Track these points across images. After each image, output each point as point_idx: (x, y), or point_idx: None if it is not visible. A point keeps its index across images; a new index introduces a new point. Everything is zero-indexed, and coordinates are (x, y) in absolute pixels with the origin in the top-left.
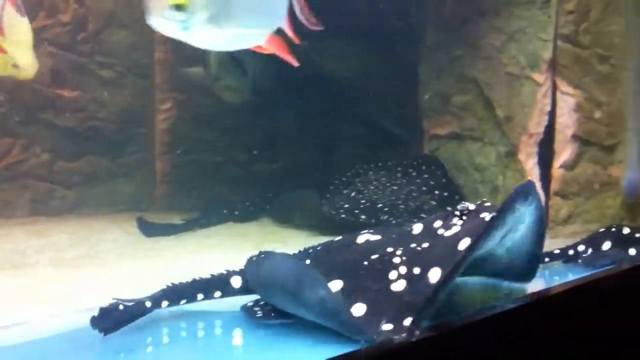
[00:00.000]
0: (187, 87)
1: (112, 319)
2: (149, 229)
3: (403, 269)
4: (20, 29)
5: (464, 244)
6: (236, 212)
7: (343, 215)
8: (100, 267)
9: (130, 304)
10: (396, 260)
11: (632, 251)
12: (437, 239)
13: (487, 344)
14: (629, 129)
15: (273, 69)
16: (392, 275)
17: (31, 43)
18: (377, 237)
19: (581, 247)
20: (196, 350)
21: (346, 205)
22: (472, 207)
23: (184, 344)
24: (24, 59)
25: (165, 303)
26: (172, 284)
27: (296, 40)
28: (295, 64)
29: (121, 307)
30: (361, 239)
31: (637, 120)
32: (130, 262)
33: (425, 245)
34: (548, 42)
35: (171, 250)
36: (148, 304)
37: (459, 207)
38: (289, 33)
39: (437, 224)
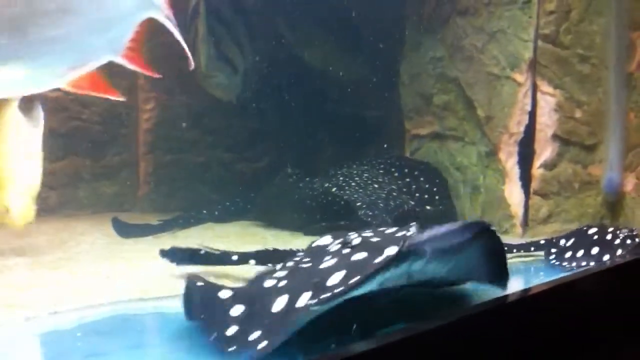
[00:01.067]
0: (170, 87)
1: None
2: (124, 230)
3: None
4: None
5: (334, 279)
6: (216, 213)
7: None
8: (75, 269)
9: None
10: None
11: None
12: (317, 262)
13: (456, 346)
14: (609, 128)
15: (261, 67)
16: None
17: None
18: (324, 242)
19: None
20: None
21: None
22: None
23: None
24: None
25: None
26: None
27: (150, 74)
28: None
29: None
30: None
31: (617, 120)
32: (105, 264)
33: (308, 265)
34: (529, 42)
35: (149, 253)
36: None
37: (345, 237)
38: (138, 68)
39: (333, 247)
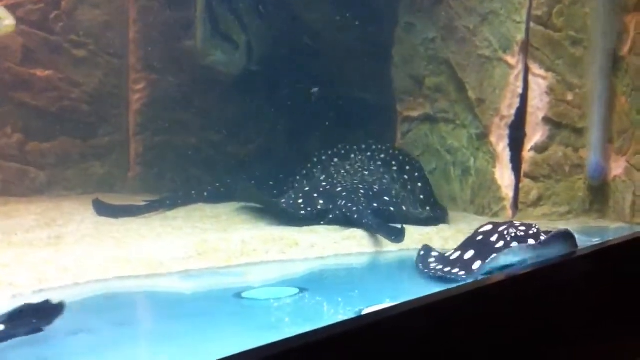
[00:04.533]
0: (162, 67)
1: None
2: (105, 210)
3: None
4: None
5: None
6: (205, 194)
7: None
8: (62, 249)
9: None
10: None
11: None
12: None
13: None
14: (592, 112)
15: (267, 43)
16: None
17: None
18: None
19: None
20: None
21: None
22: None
23: None
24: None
25: None
26: None
27: None
28: None
29: None
30: None
31: (601, 104)
32: (94, 243)
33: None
34: (521, 24)
35: (138, 232)
36: None
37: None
38: None
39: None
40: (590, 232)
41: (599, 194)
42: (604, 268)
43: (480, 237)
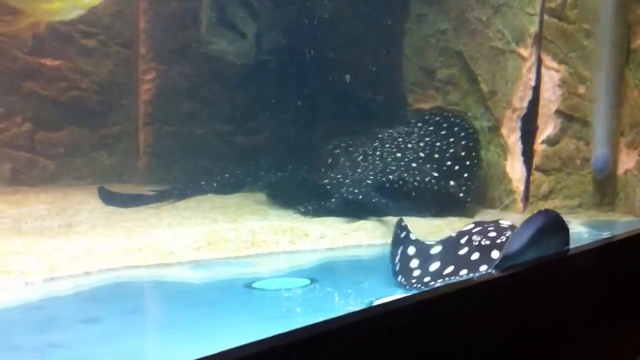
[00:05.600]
0: (171, 57)
1: None
2: (111, 199)
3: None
4: None
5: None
6: (214, 184)
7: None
8: (73, 237)
9: None
10: None
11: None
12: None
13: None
14: (598, 105)
15: (278, 32)
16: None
17: None
18: None
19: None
20: None
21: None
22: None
23: None
24: None
25: None
26: None
27: None
28: None
29: None
30: None
31: (604, 96)
32: (104, 232)
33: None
34: (534, 16)
35: (148, 222)
36: None
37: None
38: None
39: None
40: (600, 226)
41: (610, 188)
42: (613, 262)
43: (455, 238)
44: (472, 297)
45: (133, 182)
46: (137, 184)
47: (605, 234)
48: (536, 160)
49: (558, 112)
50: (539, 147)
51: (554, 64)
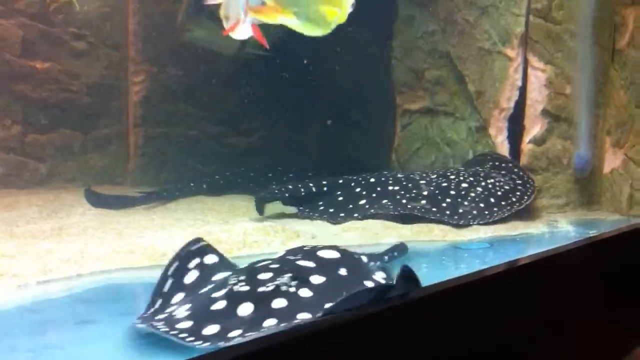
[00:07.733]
0: (161, 59)
1: None
2: (97, 201)
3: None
4: None
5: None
6: (204, 186)
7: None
8: (65, 240)
9: None
10: None
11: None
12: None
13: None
14: (579, 104)
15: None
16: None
17: None
18: None
19: None
20: None
21: None
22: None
23: None
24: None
25: None
26: None
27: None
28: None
29: None
30: None
31: (590, 96)
32: (96, 235)
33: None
34: (520, 16)
35: (139, 224)
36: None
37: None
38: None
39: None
40: (587, 224)
41: (597, 186)
42: (600, 259)
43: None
44: (467, 293)
45: (125, 184)
46: (129, 186)
47: (592, 232)
48: (523, 160)
49: (545, 112)
50: (526, 146)
51: (540, 65)
